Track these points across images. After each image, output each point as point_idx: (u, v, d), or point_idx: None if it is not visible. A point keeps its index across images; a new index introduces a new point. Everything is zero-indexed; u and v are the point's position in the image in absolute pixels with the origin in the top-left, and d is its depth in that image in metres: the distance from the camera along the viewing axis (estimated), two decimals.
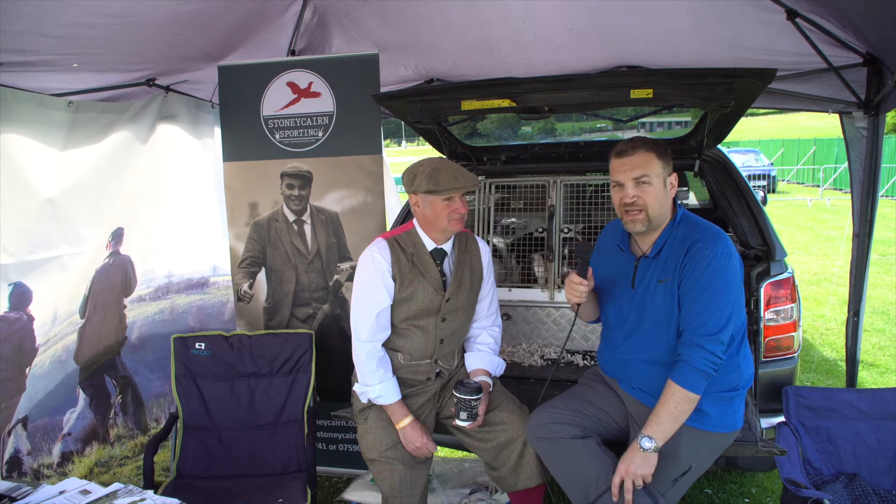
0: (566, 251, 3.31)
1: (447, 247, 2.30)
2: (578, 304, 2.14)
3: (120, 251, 3.10)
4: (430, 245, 2.27)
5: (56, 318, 2.72)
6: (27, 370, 2.57)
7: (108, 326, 3.05)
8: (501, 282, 3.35)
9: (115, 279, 3.08)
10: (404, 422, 2.23)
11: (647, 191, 1.98)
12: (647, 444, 1.90)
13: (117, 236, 3.05)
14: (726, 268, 1.93)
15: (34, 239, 2.54)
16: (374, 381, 2.21)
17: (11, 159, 2.40)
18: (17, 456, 2.56)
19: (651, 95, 2.22)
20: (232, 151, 3.11)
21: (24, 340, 2.54)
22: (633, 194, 1.99)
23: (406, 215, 3.18)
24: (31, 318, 2.56)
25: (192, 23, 2.62)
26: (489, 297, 2.42)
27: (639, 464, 1.91)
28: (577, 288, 2.07)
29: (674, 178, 2.03)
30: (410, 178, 2.18)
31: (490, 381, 2.35)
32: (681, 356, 1.91)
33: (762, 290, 2.58)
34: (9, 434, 2.52)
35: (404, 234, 2.28)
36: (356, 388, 2.27)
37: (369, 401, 2.26)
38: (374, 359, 2.22)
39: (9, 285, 2.44)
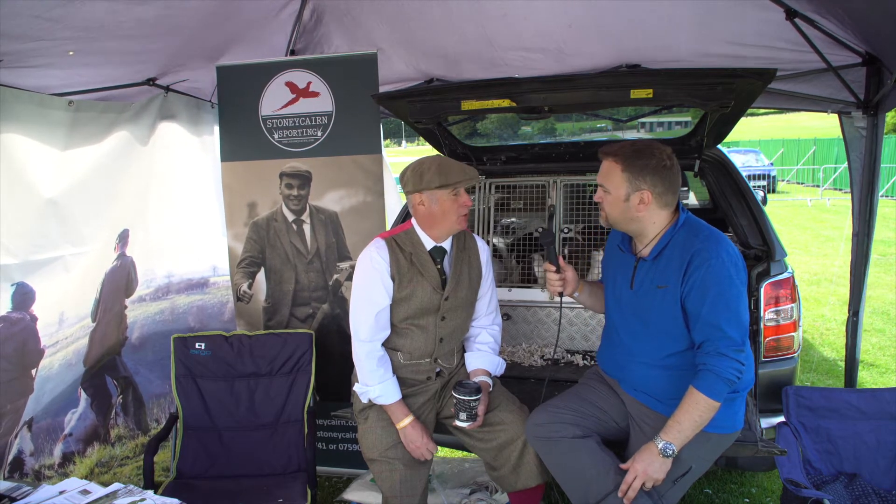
0: (566, 251, 3.31)
1: (446, 245, 2.30)
2: (560, 294, 2.22)
3: (126, 253, 3.10)
4: (428, 244, 2.26)
5: (63, 319, 2.71)
6: (33, 372, 2.57)
7: (110, 327, 3.05)
8: (501, 282, 3.35)
9: (120, 281, 3.09)
10: (404, 422, 2.23)
11: (605, 198, 2.03)
12: (669, 450, 1.90)
13: (123, 238, 3.06)
14: (734, 276, 1.91)
15: (36, 239, 2.54)
16: (374, 381, 2.21)
17: (12, 159, 2.40)
18: (19, 457, 2.56)
19: (651, 95, 2.22)
20: (230, 151, 3.11)
21: (28, 341, 2.54)
22: (599, 195, 2.07)
23: (406, 215, 3.19)
24: (34, 319, 2.55)
25: (188, 14, 2.60)
26: (488, 294, 2.42)
27: (657, 468, 1.92)
28: (549, 275, 2.16)
29: (645, 196, 1.96)
30: (417, 176, 2.15)
31: (490, 381, 2.35)
32: (706, 365, 1.89)
33: (762, 290, 2.58)
34: (15, 437, 2.52)
35: (402, 234, 2.28)
36: (356, 387, 2.27)
37: (370, 401, 2.26)
38: (374, 359, 2.22)
39: (11, 285, 2.43)
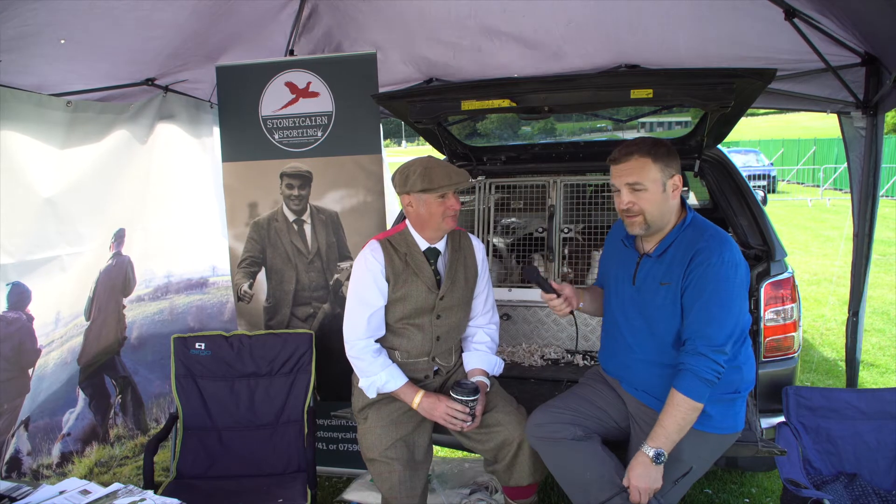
0: (566, 251, 3.31)
1: (440, 245, 2.31)
2: (571, 312, 2.17)
3: (122, 252, 3.10)
4: (423, 245, 2.27)
5: (59, 318, 2.71)
6: (30, 371, 2.57)
7: (108, 327, 3.05)
8: (501, 282, 3.35)
9: (116, 280, 3.08)
10: (417, 398, 2.23)
11: (643, 196, 1.97)
12: (660, 456, 1.89)
13: (119, 237, 3.05)
14: (732, 277, 1.91)
15: (33, 239, 2.53)
16: (378, 369, 2.21)
17: (10, 159, 2.40)
18: (17, 456, 2.55)
19: (651, 95, 2.22)
20: (231, 152, 3.11)
21: (25, 340, 2.54)
22: (628, 200, 1.98)
23: (403, 215, 3.19)
24: (30, 318, 2.55)
25: (187, 14, 2.60)
26: (484, 293, 2.43)
27: (654, 477, 1.91)
28: (552, 303, 2.12)
29: (677, 180, 1.99)
30: (403, 178, 2.18)
31: (488, 382, 2.35)
32: (684, 365, 1.89)
33: (762, 290, 2.58)
34: (12, 436, 2.51)
35: (397, 235, 2.29)
36: (361, 383, 2.26)
37: (378, 392, 2.25)
38: (369, 351, 2.23)
39: (7, 285, 2.43)
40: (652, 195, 1.97)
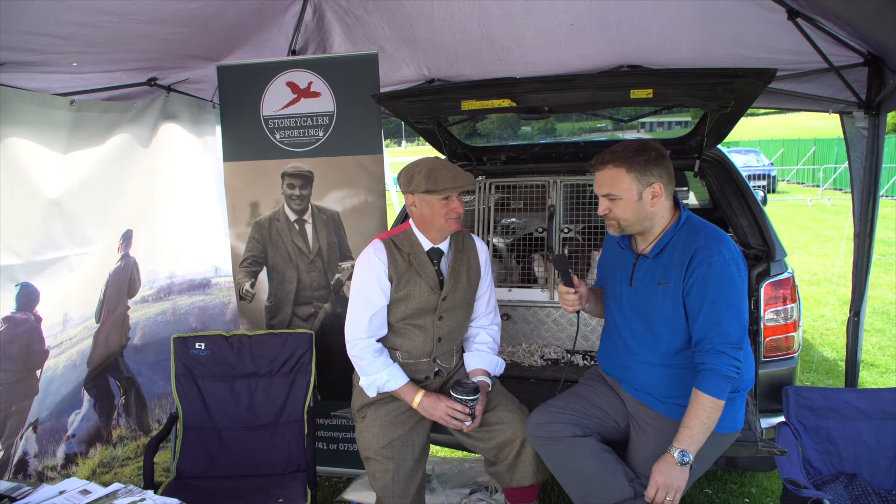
0: (566, 251, 3.31)
1: (444, 246, 2.31)
2: (577, 311, 2.18)
3: (129, 254, 3.10)
4: (426, 245, 2.27)
5: (67, 319, 2.70)
6: (37, 372, 2.57)
7: (114, 329, 3.05)
8: (501, 282, 3.35)
9: (123, 282, 3.08)
10: (418, 397, 2.23)
11: (617, 204, 2.00)
12: (684, 458, 1.89)
13: (127, 238, 3.05)
14: (735, 274, 1.93)
15: (40, 239, 2.53)
16: (379, 368, 2.22)
17: (15, 159, 2.39)
18: (24, 459, 2.55)
19: (651, 95, 2.22)
20: (232, 151, 3.11)
21: (33, 341, 2.53)
22: (604, 207, 2.03)
23: (405, 215, 3.19)
24: (38, 319, 2.54)
25: (192, 22, 2.62)
26: (487, 294, 2.43)
27: (676, 476, 1.91)
28: (567, 297, 2.14)
29: (657, 188, 1.98)
30: (408, 178, 2.18)
31: (489, 381, 2.36)
32: (705, 365, 1.90)
33: (762, 290, 2.58)
34: (20, 438, 2.51)
35: (401, 235, 2.29)
36: (362, 382, 2.26)
37: (378, 391, 2.25)
38: (371, 350, 2.23)
39: (16, 286, 2.43)
40: (626, 203, 1.99)
